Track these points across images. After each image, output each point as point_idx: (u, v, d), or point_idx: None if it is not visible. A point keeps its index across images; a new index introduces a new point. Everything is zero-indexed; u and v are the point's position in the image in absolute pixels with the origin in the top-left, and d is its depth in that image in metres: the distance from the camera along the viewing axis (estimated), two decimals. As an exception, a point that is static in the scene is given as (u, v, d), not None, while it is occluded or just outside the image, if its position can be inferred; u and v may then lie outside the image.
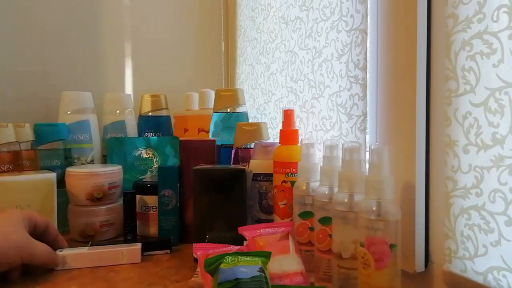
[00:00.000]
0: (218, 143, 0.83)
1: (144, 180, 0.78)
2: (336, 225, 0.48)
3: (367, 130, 0.59)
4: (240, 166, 0.70)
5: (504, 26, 0.40)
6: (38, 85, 0.96)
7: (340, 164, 0.49)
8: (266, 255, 0.47)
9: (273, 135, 0.87)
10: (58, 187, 0.71)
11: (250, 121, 0.92)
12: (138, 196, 0.73)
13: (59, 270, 0.60)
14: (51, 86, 0.97)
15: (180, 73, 1.14)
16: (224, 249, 0.53)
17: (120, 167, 0.78)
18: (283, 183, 0.62)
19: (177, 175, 0.72)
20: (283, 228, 0.56)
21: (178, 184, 0.72)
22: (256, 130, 0.77)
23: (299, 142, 0.61)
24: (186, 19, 1.15)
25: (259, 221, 0.69)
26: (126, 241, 0.68)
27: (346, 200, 0.47)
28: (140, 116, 0.96)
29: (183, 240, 0.73)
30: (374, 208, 0.43)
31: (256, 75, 0.97)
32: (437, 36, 0.50)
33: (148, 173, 0.87)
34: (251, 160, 0.72)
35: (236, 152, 0.79)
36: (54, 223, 0.68)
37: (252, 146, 0.75)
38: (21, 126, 0.79)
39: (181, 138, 0.79)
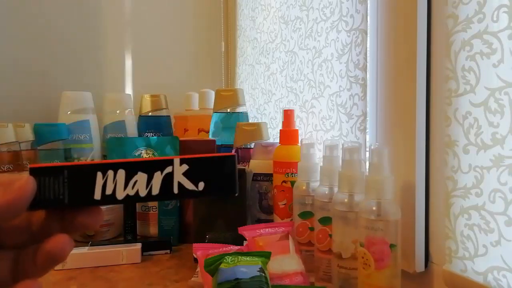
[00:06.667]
0: (218, 143, 0.83)
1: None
2: (336, 225, 0.48)
3: (367, 130, 0.59)
4: (240, 166, 0.70)
5: (504, 26, 0.40)
6: (38, 85, 0.96)
7: (340, 164, 0.49)
8: (266, 255, 0.47)
9: (273, 135, 0.87)
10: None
11: (250, 121, 0.92)
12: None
13: (59, 270, 0.60)
14: (51, 86, 0.97)
15: (180, 73, 1.14)
16: (224, 249, 0.53)
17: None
18: (283, 183, 0.62)
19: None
20: (283, 228, 0.56)
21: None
22: (256, 130, 0.77)
23: (299, 142, 0.61)
24: (186, 19, 1.15)
25: (259, 221, 0.69)
26: (126, 241, 0.68)
27: (346, 200, 0.47)
28: (140, 116, 0.96)
29: (183, 240, 0.73)
30: (374, 208, 0.43)
31: (256, 75, 0.97)
32: (437, 36, 0.50)
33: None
34: (251, 160, 0.72)
35: (236, 152, 0.79)
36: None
37: (252, 146, 0.75)
38: (21, 126, 0.79)
39: (181, 138, 0.79)
